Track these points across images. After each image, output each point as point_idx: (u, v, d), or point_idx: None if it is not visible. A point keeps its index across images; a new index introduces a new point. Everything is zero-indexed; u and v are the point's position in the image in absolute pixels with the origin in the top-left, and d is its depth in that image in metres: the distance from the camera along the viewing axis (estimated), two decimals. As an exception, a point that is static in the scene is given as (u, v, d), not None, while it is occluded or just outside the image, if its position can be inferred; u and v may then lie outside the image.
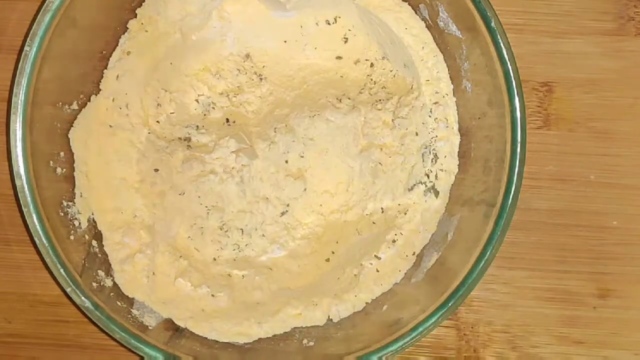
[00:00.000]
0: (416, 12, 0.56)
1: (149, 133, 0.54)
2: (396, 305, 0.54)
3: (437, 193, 0.56)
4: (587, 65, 0.59)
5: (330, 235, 0.54)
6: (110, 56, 0.55)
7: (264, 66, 0.51)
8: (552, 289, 0.58)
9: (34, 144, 0.49)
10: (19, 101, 0.48)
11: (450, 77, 0.56)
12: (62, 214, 0.52)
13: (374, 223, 0.55)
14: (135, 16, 0.55)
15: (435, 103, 0.56)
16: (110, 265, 0.54)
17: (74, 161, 0.53)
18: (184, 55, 0.52)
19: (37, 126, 0.49)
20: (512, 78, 0.48)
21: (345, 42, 0.51)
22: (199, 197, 0.54)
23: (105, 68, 0.55)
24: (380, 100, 0.54)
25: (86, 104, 0.54)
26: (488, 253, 0.49)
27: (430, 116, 0.56)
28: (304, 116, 0.54)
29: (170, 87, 0.52)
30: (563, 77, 0.59)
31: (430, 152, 0.56)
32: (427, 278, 0.54)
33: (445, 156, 0.56)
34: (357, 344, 0.51)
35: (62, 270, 0.48)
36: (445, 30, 0.54)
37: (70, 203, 0.53)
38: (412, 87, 0.54)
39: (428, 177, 0.56)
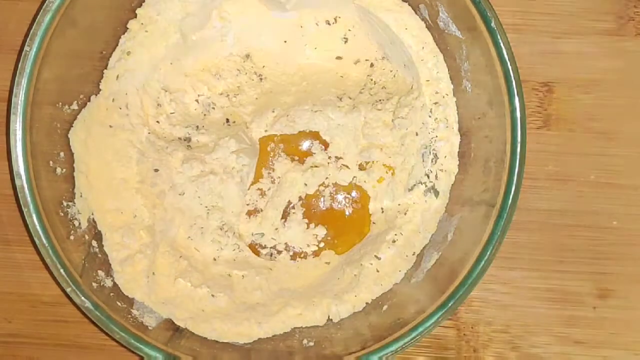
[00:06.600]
0: (416, 12, 0.56)
1: (149, 133, 0.54)
2: (396, 305, 0.54)
3: (437, 193, 0.56)
4: (587, 65, 0.59)
5: (330, 235, 0.54)
6: (110, 56, 0.55)
7: (264, 66, 0.51)
8: (552, 289, 0.58)
9: (34, 144, 0.49)
10: (19, 101, 0.48)
11: (450, 77, 0.56)
12: (62, 214, 0.52)
13: (374, 223, 0.55)
14: (135, 16, 0.54)
15: (435, 103, 0.56)
16: (110, 265, 0.54)
17: (74, 161, 0.53)
18: (184, 55, 0.52)
19: (37, 126, 0.49)
20: (512, 78, 0.48)
21: (345, 42, 0.51)
22: (199, 197, 0.54)
23: (105, 68, 0.55)
24: (380, 100, 0.54)
25: (86, 104, 0.54)
26: (488, 253, 0.49)
27: (430, 116, 0.56)
28: (306, 110, 0.54)
29: (170, 87, 0.52)
30: (563, 77, 0.59)
31: (430, 152, 0.56)
32: (427, 278, 0.54)
33: (445, 156, 0.56)
34: (357, 344, 0.51)
35: (62, 270, 0.48)
36: (445, 31, 0.54)
37: (70, 203, 0.53)
38: (412, 87, 0.54)
39: (428, 177, 0.56)
